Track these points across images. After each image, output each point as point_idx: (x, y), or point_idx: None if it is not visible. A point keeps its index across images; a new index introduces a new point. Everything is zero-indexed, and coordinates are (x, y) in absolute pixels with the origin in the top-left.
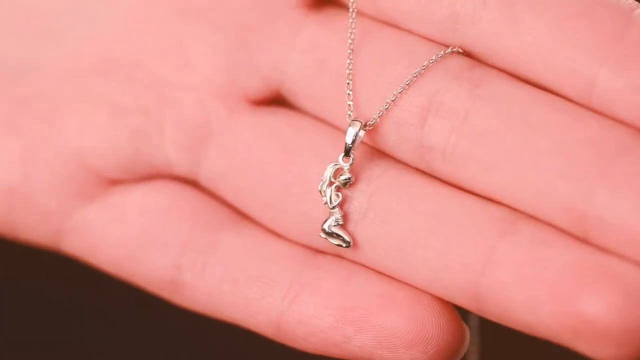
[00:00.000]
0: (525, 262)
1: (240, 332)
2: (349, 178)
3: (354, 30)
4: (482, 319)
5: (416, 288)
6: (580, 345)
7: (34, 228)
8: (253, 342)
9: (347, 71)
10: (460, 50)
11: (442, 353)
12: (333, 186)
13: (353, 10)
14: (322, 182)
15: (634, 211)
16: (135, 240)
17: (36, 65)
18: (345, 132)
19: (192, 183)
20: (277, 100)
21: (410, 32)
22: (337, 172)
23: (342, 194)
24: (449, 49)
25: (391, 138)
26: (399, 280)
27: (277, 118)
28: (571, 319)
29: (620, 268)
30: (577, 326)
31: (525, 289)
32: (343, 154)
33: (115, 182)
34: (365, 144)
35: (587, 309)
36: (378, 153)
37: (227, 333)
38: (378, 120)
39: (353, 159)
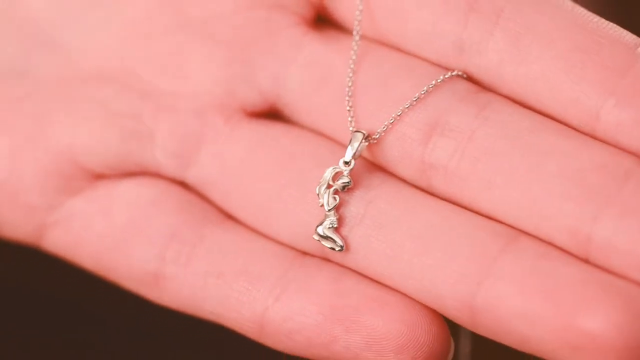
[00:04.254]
0: (528, 274)
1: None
2: (348, 182)
3: (356, 50)
4: (475, 337)
5: (406, 295)
6: None
7: (17, 223)
8: (253, 344)
9: (348, 87)
10: (464, 75)
11: None
12: (331, 189)
13: (358, 25)
14: (320, 185)
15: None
16: (120, 232)
17: (30, 70)
18: (344, 144)
19: (179, 183)
20: (272, 114)
21: (412, 55)
22: (337, 176)
23: (339, 197)
24: (455, 72)
25: (393, 153)
26: (388, 286)
27: (274, 128)
28: (572, 334)
29: (623, 286)
30: (578, 342)
31: (526, 301)
32: (344, 159)
33: (101, 177)
34: (365, 158)
35: (589, 324)
36: (378, 167)
37: (228, 335)
38: (383, 134)
39: (353, 165)
